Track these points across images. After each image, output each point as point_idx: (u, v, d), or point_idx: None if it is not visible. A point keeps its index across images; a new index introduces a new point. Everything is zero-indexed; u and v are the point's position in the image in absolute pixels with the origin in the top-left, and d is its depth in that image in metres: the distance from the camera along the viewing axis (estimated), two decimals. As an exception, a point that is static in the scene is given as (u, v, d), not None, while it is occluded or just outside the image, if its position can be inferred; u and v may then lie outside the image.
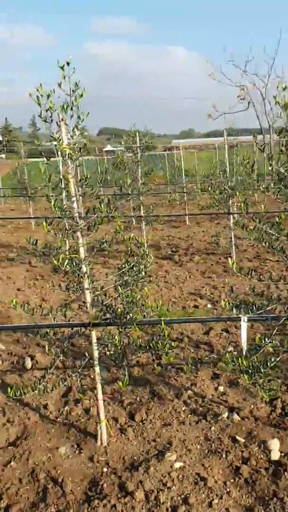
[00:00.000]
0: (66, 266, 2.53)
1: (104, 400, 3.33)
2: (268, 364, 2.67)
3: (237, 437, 2.88)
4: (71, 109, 2.73)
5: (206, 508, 2.34)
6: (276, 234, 2.82)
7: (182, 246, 9.00)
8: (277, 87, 2.85)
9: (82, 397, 3.26)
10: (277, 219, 2.79)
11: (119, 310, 2.59)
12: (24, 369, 3.99)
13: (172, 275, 6.85)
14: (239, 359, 2.69)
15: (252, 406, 3.23)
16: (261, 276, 4.16)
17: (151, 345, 2.62)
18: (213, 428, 3.00)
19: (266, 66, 32.83)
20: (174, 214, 13.06)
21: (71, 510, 2.38)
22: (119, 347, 2.65)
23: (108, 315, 2.68)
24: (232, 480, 2.54)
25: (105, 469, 2.68)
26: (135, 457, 2.77)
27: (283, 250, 2.85)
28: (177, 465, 2.64)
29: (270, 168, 2.93)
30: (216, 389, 3.49)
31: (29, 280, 6.82)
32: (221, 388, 3.48)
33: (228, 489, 2.47)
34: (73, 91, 2.75)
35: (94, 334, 2.80)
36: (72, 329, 2.99)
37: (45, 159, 2.96)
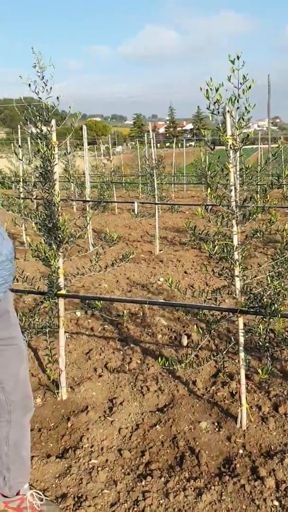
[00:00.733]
0: (217, 253, 2.66)
1: (250, 387, 3.40)
2: None
3: None
4: (237, 101, 2.82)
5: None
6: None
7: None
8: None
9: (223, 378, 3.38)
10: None
11: (264, 300, 2.62)
12: (180, 345, 4.28)
13: None
14: None
15: None
16: None
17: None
18: None
19: None
20: None
21: (203, 479, 2.55)
22: (263, 337, 2.69)
23: (255, 304, 2.74)
24: None
25: (240, 451, 2.78)
26: (272, 446, 2.80)
27: None
28: (315, 464, 2.59)
29: None
30: None
31: (196, 265, 7.13)
32: None
33: None
34: (240, 83, 2.82)
35: (241, 321, 2.88)
36: (221, 313, 3.11)
37: (209, 148, 3.11)
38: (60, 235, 3.06)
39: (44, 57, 2.89)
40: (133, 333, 4.59)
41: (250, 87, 2.85)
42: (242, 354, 2.92)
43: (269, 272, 2.88)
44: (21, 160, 3.19)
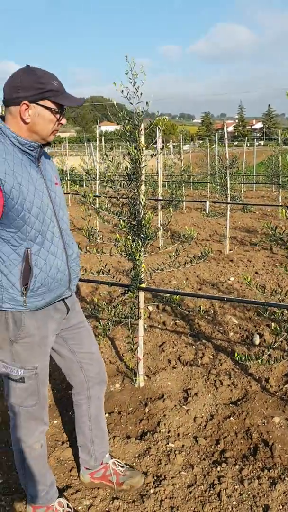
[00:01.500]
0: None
1: None
2: None
3: None
4: None
5: None
6: None
7: None
8: None
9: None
10: None
11: None
12: (252, 344, 4.36)
13: None
14: None
15: None
16: None
17: None
18: None
19: None
20: None
21: (276, 470, 2.64)
22: None
23: None
24: None
25: (314, 448, 2.84)
26: None
27: None
28: None
29: None
30: None
31: (268, 266, 7.12)
32: None
33: None
34: None
35: None
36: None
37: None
38: (144, 232, 3.26)
39: (116, 56, 3.09)
40: (205, 329, 4.73)
41: None
42: None
43: None
44: (110, 161, 3.42)
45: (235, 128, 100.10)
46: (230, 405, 3.35)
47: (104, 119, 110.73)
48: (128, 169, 3.24)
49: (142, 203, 3.29)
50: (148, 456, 2.82)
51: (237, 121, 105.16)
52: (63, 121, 2.03)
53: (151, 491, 2.54)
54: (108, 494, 2.54)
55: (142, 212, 3.30)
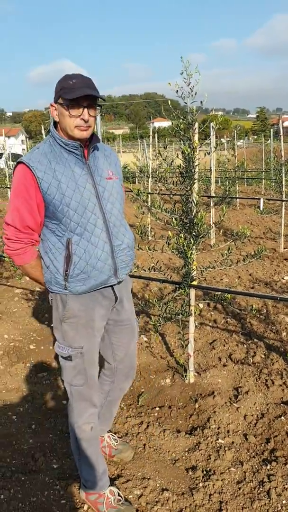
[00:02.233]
0: None
1: None
2: None
3: None
4: None
5: None
6: None
7: None
8: None
9: None
10: None
11: None
12: (305, 344, 4.28)
13: None
14: None
15: None
16: None
17: None
18: None
19: None
20: None
21: None
22: None
23: None
24: None
25: None
26: None
27: None
28: None
29: None
30: None
31: None
32: None
33: None
34: None
35: None
36: None
37: None
38: (197, 230, 3.29)
39: (171, 52, 3.13)
40: (256, 328, 4.69)
41: None
42: None
43: None
44: (164, 159, 3.47)
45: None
46: (282, 404, 3.33)
47: (157, 115, 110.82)
48: (181, 167, 3.28)
49: (195, 201, 3.33)
50: (197, 451, 2.87)
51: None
52: (84, 115, 2.08)
53: (200, 484, 2.59)
54: (158, 485, 2.61)
55: (195, 210, 3.33)
